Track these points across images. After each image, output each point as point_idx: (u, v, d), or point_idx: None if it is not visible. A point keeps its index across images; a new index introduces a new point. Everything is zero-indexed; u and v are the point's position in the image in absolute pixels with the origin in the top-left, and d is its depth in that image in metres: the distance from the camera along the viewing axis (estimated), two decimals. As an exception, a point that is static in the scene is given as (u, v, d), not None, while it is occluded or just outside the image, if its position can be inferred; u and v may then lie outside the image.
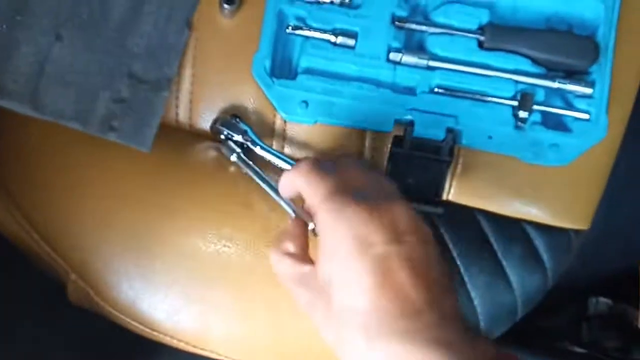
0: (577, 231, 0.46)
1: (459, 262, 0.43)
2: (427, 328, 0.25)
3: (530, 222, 0.45)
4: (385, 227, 0.27)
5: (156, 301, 0.39)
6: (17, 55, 0.32)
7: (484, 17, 0.41)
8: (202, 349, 0.40)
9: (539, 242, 0.45)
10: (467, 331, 0.26)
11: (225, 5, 0.40)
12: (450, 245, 0.43)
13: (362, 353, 0.25)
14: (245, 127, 0.41)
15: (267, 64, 0.39)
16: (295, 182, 0.31)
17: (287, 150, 0.43)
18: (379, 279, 0.26)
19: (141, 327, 0.39)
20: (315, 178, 0.29)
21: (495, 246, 0.44)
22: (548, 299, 0.53)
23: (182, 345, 0.40)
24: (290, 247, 0.31)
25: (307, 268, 0.30)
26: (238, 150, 0.40)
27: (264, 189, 0.40)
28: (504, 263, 0.44)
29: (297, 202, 0.34)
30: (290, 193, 0.33)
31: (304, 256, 0.31)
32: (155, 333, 0.40)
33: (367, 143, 0.44)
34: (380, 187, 0.31)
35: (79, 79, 0.35)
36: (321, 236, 0.28)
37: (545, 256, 0.45)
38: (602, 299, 0.70)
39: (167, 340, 0.40)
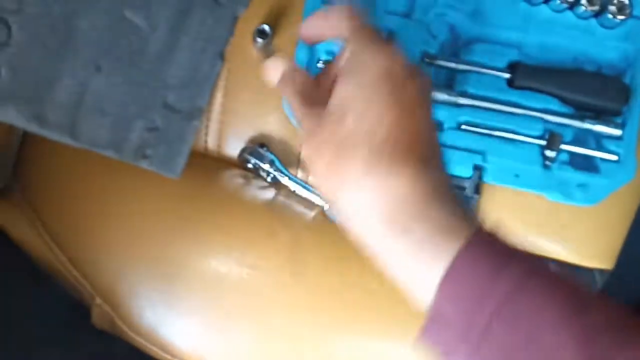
0: (601, 271, 0.46)
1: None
2: (432, 168, 0.26)
3: (555, 261, 0.44)
4: (413, 73, 0.28)
5: (178, 328, 0.39)
6: (59, 87, 0.33)
7: (512, 55, 0.41)
8: (222, 378, 0.40)
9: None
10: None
11: (258, 39, 0.41)
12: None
13: (358, 177, 0.26)
14: (272, 157, 0.42)
15: (298, 96, 0.40)
16: (337, 12, 0.29)
17: (312, 179, 0.44)
18: (404, 117, 0.26)
19: (162, 353, 0.40)
20: (354, 14, 0.29)
21: None
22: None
23: (203, 374, 0.40)
24: (303, 85, 0.30)
25: (317, 90, 0.29)
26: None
27: (288, 218, 0.41)
28: None
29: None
30: (321, 27, 0.30)
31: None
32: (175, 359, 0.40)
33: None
34: None
35: (116, 108, 0.36)
36: (351, 59, 0.28)
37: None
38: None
39: (187, 367, 0.40)
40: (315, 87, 0.30)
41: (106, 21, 0.34)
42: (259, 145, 0.42)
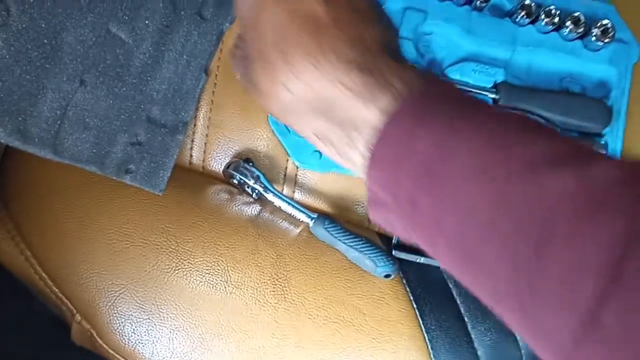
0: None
1: (466, 320, 0.43)
2: (334, 50, 0.25)
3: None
4: None
5: (159, 347, 0.38)
6: (43, 101, 0.33)
7: (499, 75, 0.42)
8: (203, 398, 0.40)
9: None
10: (397, 61, 0.26)
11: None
12: (459, 301, 0.43)
13: (270, 84, 0.26)
14: (257, 173, 0.41)
15: (284, 113, 0.40)
16: None
17: (297, 195, 0.43)
18: (288, 5, 0.26)
19: (142, 372, 0.39)
20: None
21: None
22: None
23: (183, 393, 0.40)
24: None
25: None
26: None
27: (271, 235, 0.41)
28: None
29: None
30: None
31: None
32: (156, 379, 0.39)
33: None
34: None
35: (99, 122, 0.36)
36: None
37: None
38: None
39: (167, 386, 0.40)
40: None
41: (92, 36, 0.34)
42: (244, 161, 0.42)
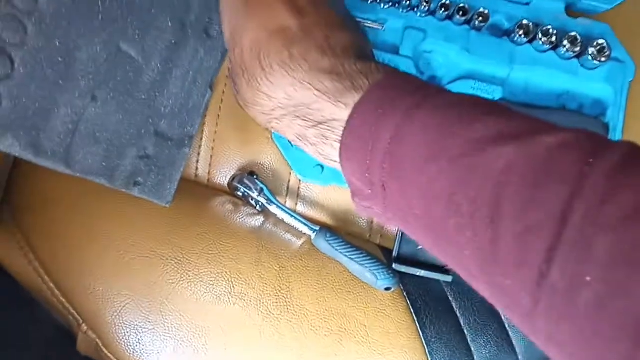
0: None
1: (466, 332, 0.43)
2: (305, 57, 0.28)
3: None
4: None
5: (163, 357, 0.39)
6: (56, 116, 0.34)
7: (497, 93, 0.43)
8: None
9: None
10: (365, 61, 0.28)
11: None
12: (459, 314, 0.44)
13: (249, 92, 0.28)
14: (261, 185, 0.42)
15: (287, 128, 0.41)
16: None
17: (300, 208, 0.44)
18: (260, 17, 0.28)
19: (147, 382, 0.40)
20: None
21: (503, 316, 0.44)
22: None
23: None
24: None
25: None
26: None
27: (274, 246, 0.41)
28: (511, 333, 0.44)
29: None
30: None
31: None
32: (160, 389, 0.40)
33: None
34: None
35: (109, 137, 0.37)
36: None
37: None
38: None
39: (171, 396, 0.40)
40: None
41: (104, 54, 0.35)
42: (248, 174, 0.43)
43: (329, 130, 0.27)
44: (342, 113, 0.26)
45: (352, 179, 0.27)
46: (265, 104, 0.29)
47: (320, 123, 0.27)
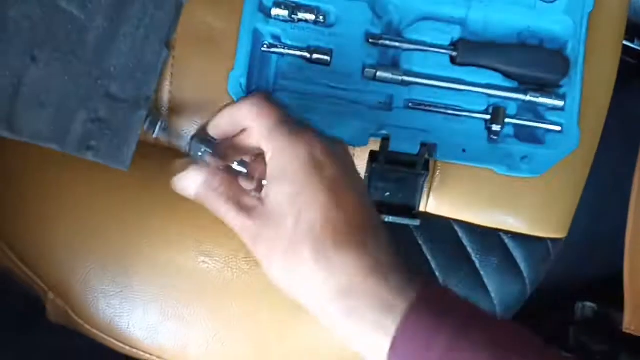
0: (554, 240, 0.47)
1: (437, 274, 0.44)
2: (365, 243, 0.28)
3: (508, 232, 0.45)
4: (331, 154, 0.29)
5: (134, 319, 0.39)
6: (-8, 79, 0.33)
7: (455, 33, 0.42)
8: (182, 365, 0.40)
9: (517, 252, 0.45)
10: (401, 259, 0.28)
11: (155, 129, 0.39)
12: (429, 257, 0.44)
13: (311, 267, 0.27)
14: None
15: (243, 81, 0.40)
16: (245, 110, 0.30)
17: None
18: (333, 197, 0.28)
19: (120, 345, 0.40)
20: (268, 105, 0.30)
21: (473, 257, 0.45)
22: (536, 304, 0.54)
23: (163, 363, 0.41)
24: (224, 187, 0.31)
25: (251, 198, 0.30)
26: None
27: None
28: (482, 273, 0.45)
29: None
30: (231, 127, 0.32)
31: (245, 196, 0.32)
32: (134, 350, 0.40)
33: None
34: None
35: (56, 99, 0.36)
36: (274, 160, 0.29)
37: (522, 265, 0.46)
38: (588, 304, 0.71)
39: (148, 357, 0.40)
40: (234, 181, 0.32)
41: (39, 11, 0.34)
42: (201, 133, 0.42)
43: (383, 321, 0.27)
44: (402, 305, 0.27)
45: None
46: (326, 279, 0.28)
47: (380, 309, 0.27)
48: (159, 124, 0.39)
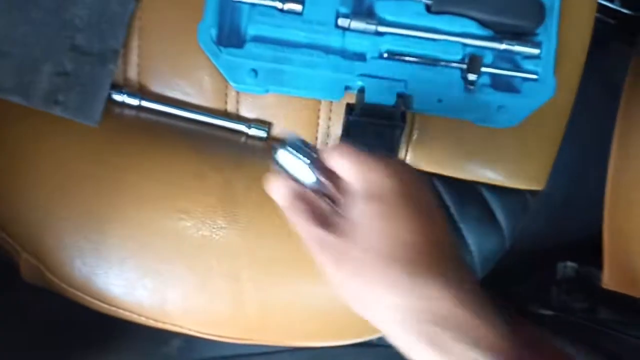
0: (532, 192, 0.47)
1: (451, 209, 0.44)
2: (458, 272, 0.27)
3: (486, 185, 0.46)
4: (423, 179, 0.29)
5: (111, 276, 0.38)
6: (-54, 26, 0.31)
7: (429, -18, 0.41)
8: (161, 322, 0.40)
9: (495, 204, 0.46)
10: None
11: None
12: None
13: (403, 289, 0.26)
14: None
15: (214, 32, 0.39)
16: (338, 161, 0.29)
17: (243, 114, 0.43)
18: (428, 221, 0.28)
19: (98, 302, 0.39)
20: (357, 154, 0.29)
21: (452, 209, 0.45)
22: (518, 264, 0.54)
23: (142, 320, 0.40)
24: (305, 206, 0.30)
25: (335, 215, 0.29)
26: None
27: (217, 159, 0.40)
28: (461, 225, 0.45)
29: None
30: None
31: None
32: (113, 308, 0.40)
33: (322, 113, 0.44)
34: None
35: (17, 50, 0.35)
36: (363, 179, 0.28)
37: (501, 217, 0.46)
38: (570, 264, 0.72)
39: (126, 315, 0.40)
40: (316, 199, 0.30)
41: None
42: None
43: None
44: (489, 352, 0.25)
45: None
46: (381, 319, 0.27)
47: (454, 352, 0.26)
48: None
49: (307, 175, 0.30)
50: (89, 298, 0.39)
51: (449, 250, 0.28)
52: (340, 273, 0.28)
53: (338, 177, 0.30)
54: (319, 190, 0.30)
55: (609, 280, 0.60)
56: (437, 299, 0.26)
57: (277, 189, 0.30)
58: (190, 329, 0.41)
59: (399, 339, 0.27)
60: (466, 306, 0.26)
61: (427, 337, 0.26)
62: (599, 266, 0.62)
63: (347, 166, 0.29)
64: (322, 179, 0.30)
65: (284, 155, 0.30)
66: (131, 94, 0.40)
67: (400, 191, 0.28)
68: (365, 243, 0.27)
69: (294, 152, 0.30)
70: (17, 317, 0.40)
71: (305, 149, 0.30)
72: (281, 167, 0.30)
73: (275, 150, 0.30)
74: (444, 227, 0.28)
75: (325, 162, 0.30)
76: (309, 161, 0.30)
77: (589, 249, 0.68)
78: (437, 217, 0.29)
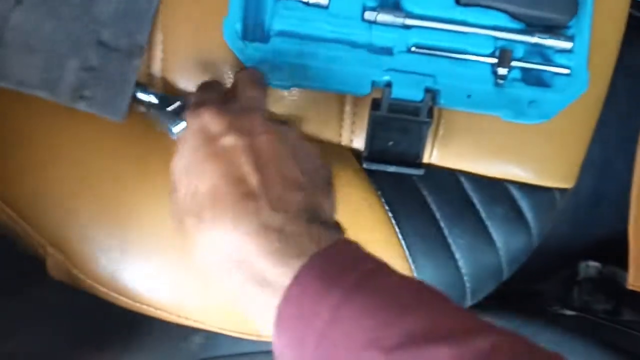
0: (561, 190, 0.46)
1: (442, 225, 0.43)
2: (257, 212, 0.28)
3: (514, 182, 0.45)
4: (235, 126, 0.30)
5: (134, 271, 0.38)
6: (-25, 21, 0.31)
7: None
8: (183, 317, 0.40)
9: (523, 202, 0.45)
10: (316, 226, 0.28)
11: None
12: (434, 208, 0.43)
13: (195, 234, 0.29)
14: None
15: (239, 27, 0.39)
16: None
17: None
18: (221, 166, 0.29)
19: (121, 298, 0.39)
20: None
21: (479, 207, 0.44)
22: (540, 263, 0.53)
23: (164, 315, 0.40)
24: None
25: None
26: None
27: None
28: (488, 224, 0.44)
29: None
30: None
31: None
32: (136, 304, 0.40)
33: (347, 108, 0.43)
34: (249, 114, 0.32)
35: (45, 45, 0.34)
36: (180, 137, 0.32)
37: (529, 216, 0.45)
38: (592, 263, 0.71)
39: (149, 311, 0.40)
40: None
41: (22, -49, 0.32)
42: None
43: (268, 292, 0.26)
44: (284, 278, 0.26)
45: (284, 350, 0.26)
46: (208, 249, 0.29)
47: (261, 282, 0.27)
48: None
49: None
50: (113, 293, 0.39)
51: (242, 190, 0.28)
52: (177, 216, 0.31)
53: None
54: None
55: (634, 280, 0.58)
56: (224, 245, 0.28)
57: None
58: (211, 325, 0.41)
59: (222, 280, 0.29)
60: (272, 231, 0.27)
61: (235, 270, 0.27)
62: (624, 266, 0.61)
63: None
64: None
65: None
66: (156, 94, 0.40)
67: (195, 142, 0.30)
68: (174, 195, 0.31)
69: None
70: (42, 313, 0.40)
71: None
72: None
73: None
74: (298, 185, 0.29)
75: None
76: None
77: (614, 249, 0.66)
78: (236, 160, 0.29)
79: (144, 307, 0.39)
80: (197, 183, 0.29)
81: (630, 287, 0.58)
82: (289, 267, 0.26)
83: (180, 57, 0.41)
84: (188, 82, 0.42)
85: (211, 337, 0.52)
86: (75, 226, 0.38)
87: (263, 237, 0.27)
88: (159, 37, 0.41)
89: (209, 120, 0.30)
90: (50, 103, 0.36)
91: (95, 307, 0.40)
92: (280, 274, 0.26)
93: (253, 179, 0.28)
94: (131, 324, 0.44)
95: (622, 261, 0.61)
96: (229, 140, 0.29)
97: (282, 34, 0.40)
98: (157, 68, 0.41)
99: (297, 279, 0.25)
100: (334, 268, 0.26)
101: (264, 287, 0.26)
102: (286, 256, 0.26)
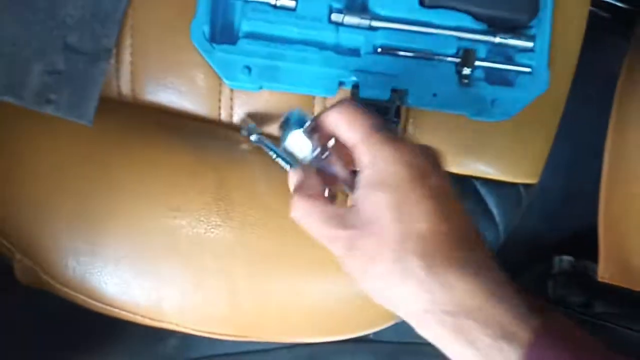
0: (526, 186, 0.47)
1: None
2: (479, 260, 0.26)
3: (480, 179, 0.46)
4: (434, 162, 0.28)
5: (106, 275, 0.38)
6: None
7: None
8: (157, 320, 0.40)
9: (489, 198, 0.46)
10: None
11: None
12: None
13: (421, 280, 0.25)
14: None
15: (206, 29, 0.39)
16: (337, 118, 0.29)
17: (236, 118, 0.43)
18: (441, 206, 0.26)
19: (93, 302, 0.39)
20: (360, 113, 0.28)
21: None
22: (515, 258, 0.54)
23: (137, 319, 0.40)
24: (314, 191, 0.29)
25: (341, 209, 0.28)
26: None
27: (210, 157, 0.40)
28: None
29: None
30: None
31: (330, 200, 0.30)
32: (108, 308, 0.39)
33: (316, 110, 0.44)
34: None
35: (8, 50, 0.34)
36: (372, 166, 0.27)
37: (495, 211, 0.46)
38: (566, 257, 0.72)
39: (122, 314, 0.40)
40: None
41: (-17, -46, 0.32)
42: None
43: (496, 351, 0.25)
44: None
45: None
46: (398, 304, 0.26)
47: (481, 340, 0.25)
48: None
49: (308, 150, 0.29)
50: (84, 298, 0.39)
51: (468, 235, 0.27)
52: (353, 266, 0.27)
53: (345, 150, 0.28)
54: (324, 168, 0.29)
55: (604, 273, 0.60)
56: (459, 290, 0.25)
57: (298, 208, 0.29)
58: (186, 327, 0.41)
59: (424, 330, 0.26)
60: (490, 295, 0.25)
61: (451, 328, 0.25)
62: (595, 259, 0.62)
63: (353, 138, 0.28)
64: (329, 157, 0.29)
65: (293, 138, 0.29)
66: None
67: (409, 177, 0.26)
68: (375, 234, 0.26)
69: (303, 134, 0.29)
70: (11, 318, 0.40)
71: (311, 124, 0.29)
72: (290, 151, 0.29)
73: (285, 133, 0.29)
74: (461, 211, 0.27)
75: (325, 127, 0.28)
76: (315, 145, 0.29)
77: (585, 243, 0.68)
78: (452, 201, 0.27)
79: (117, 310, 0.39)
80: (419, 224, 0.26)
81: (600, 280, 0.60)
82: (528, 324, 0.24)
83: (150, 59, 0.41)
84: (157, 85, 0.42)
85: (187, 339, 0.52)
86: (45, 232, 0.37)
87: (496, 299, 0.25)
88: (127, 40, 0.41)
89: (417, 154, 0.27)
90: (20, 109, 0.36)
91: (69, 311, 0.40)
92: (523, 330, 0.24)
93: (468, 220, 0.27)
94: (106, 328, 0.44)
95: (593, 254, 0.63)
96: (439, 179, 0.27)
97: (250, 35, 0.40)
98: (126, 71, 0.41)
99: (538, 342, 0.24)
100: (569, 340, 0.25)
101: (498, 341, 0.24)
102: (517, 321, 0.25)
